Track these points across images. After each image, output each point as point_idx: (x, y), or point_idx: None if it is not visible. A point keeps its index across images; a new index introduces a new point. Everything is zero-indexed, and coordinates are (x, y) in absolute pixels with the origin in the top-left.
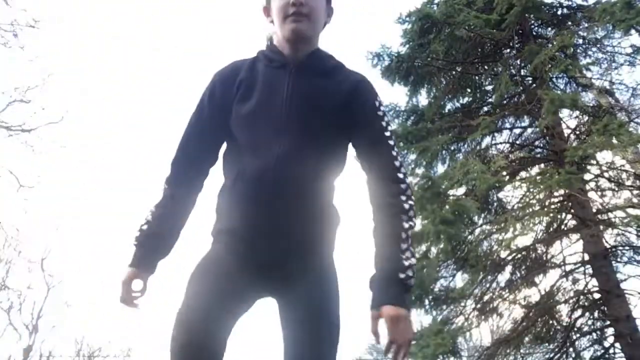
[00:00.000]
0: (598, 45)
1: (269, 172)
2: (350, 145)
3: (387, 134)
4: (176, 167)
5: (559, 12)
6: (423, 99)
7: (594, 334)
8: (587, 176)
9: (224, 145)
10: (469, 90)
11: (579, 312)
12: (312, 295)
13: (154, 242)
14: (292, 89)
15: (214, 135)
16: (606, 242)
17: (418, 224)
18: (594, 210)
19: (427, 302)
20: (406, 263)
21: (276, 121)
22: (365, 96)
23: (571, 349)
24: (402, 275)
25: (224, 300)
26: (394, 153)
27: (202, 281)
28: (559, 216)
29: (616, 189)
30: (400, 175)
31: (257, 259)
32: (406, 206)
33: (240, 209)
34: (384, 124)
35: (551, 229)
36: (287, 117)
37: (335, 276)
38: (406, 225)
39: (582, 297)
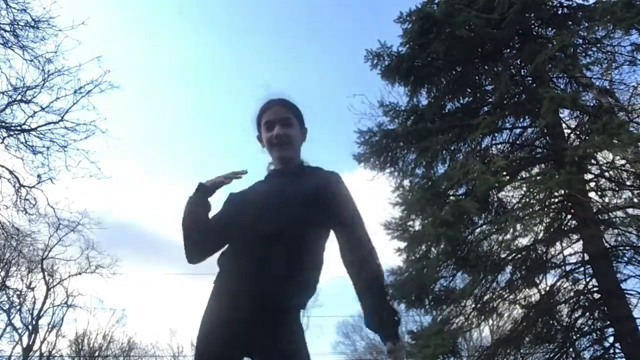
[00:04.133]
0: (598, 45)
1: None
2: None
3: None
4: None
5: (559, 12)
6: (423, 99)
7: (594, 334)
8: (587, 176)
9: None
10: (469, 90)
11: (579, 312)
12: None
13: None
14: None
15: None
16: (606, 242)
17: (418, 224)
18: (594, 210)
19: (427, 302)
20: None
21: None
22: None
23: (571, 349)
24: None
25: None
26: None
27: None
28: (559, 216)
29: (616, 188)
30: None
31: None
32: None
33: None
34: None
35: (551, 229)
36: None
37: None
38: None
39: (582, 297)
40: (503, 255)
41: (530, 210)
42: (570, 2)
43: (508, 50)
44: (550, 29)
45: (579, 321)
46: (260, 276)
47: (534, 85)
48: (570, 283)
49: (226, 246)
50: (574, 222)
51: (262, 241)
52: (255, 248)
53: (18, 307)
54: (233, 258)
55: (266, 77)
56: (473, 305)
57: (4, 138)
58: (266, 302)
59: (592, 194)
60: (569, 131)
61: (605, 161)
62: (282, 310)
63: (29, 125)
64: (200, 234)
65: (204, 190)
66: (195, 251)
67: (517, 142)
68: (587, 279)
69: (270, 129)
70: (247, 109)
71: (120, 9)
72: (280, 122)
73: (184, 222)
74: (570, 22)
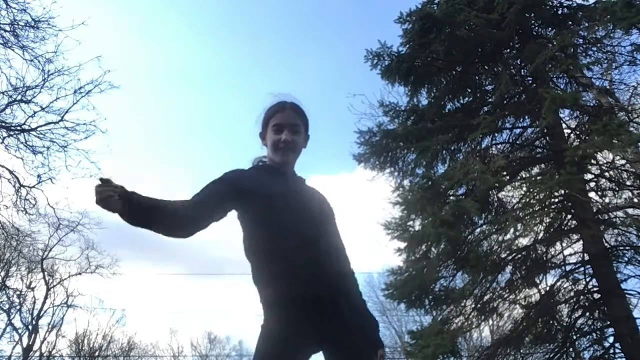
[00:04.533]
0: (598, 45)
1: None
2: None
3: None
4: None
5: (559, 12)
6: (423, 99)
7: (594, 334)
8: (587, 176)
9: None
10: (469, 90)
11: (579, 312)
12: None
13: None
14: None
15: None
16: (606, 242)
17: (418, 224)
18: (594, 210)
19: (427, 302)
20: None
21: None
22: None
23: (571, 349)
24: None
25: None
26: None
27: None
28: (559, 216)
29: (616, 188)
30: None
31: None
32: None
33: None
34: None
35: (551, 229)
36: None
37: None
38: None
39: (582, 297)
40: (503, 255)
41: (530, 210)
42: (570, 2)
43: (508, 50)
44: (550, 29)
45: (579, 321)
46: (319, 276)
47: (534, 85)
48: (570, 283)
49: (256, 249)
50: (574, 222)
51: (310, 242)
52: (305, 248)
53: (18, 307)
54: (281, 261)
55: (266, 77)
56: (473, 305)
57: (4, 138)
58: (332, 300)
59: (592, 194)
60: (569, 131)
61: (605, 161)
62: (341, 305)
63: (29, 125)
64: (181, 216)
65: (134, 206)
66: (189, 225)
67: (517, 142)
68: (587, 279)
69: (279, 132)
70: (247, 108)
71: (120, 9)
72: (289, 128)
73: (159, 229)
74: (570, 22)
